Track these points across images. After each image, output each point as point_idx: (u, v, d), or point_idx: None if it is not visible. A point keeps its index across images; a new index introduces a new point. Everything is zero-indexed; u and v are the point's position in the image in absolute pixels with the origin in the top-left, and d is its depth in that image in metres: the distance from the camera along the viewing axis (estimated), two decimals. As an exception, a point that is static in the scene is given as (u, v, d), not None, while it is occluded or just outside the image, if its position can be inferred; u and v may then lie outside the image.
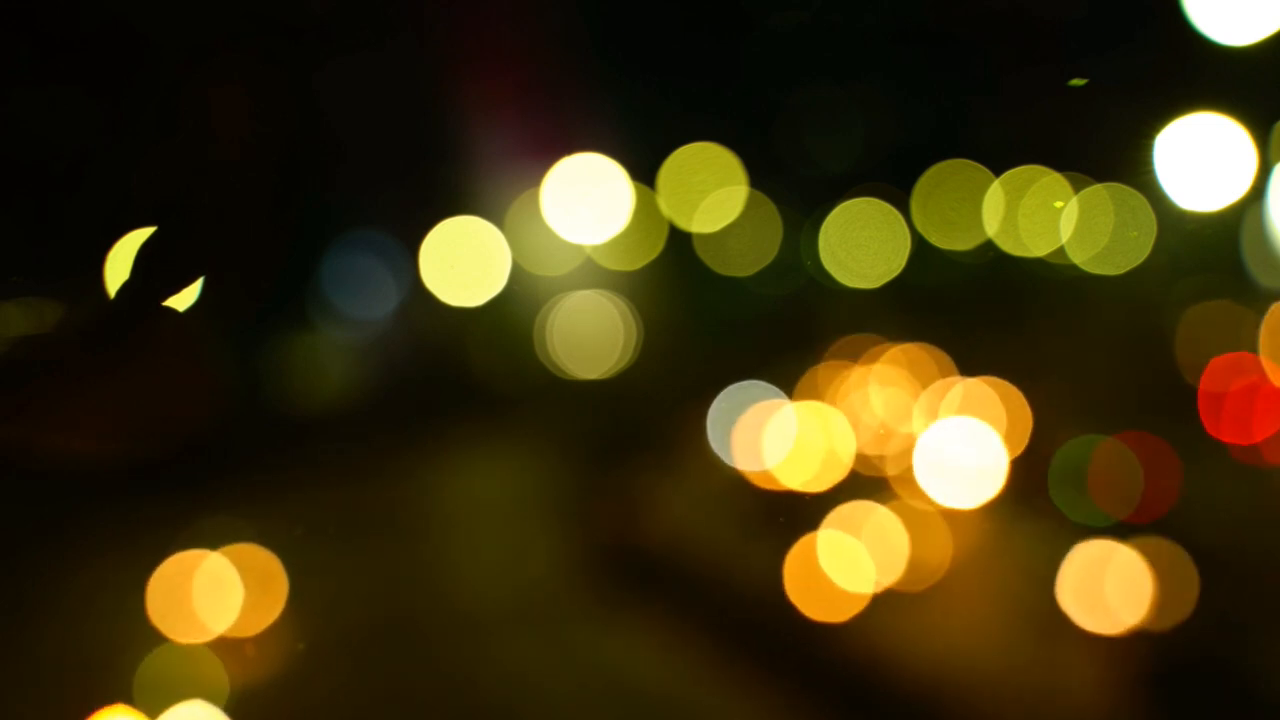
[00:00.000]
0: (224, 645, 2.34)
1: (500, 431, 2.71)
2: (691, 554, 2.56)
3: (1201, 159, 2.47)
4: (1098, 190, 2.63)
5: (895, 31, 2.59)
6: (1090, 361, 2.61)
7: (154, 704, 2.23)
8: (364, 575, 2.43)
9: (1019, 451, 2.57)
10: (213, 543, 2.38)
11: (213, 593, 2.36)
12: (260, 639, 2.35)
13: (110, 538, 2.31)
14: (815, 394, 2.78)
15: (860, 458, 2.68)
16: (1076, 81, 2.39)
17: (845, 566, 2.45)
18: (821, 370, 2.78)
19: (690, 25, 2.60)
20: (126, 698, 2.21)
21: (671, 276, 2.83)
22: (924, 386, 2.72)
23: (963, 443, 2.61)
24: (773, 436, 2.72)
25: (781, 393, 2.75)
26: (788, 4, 2.63)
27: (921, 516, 2.54)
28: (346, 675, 2.28)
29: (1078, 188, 2.64)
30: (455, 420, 2.71)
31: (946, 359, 2.69)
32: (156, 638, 2.29)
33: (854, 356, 2.78)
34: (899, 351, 2.76)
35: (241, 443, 2.23)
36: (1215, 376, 2.55)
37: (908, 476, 2.60)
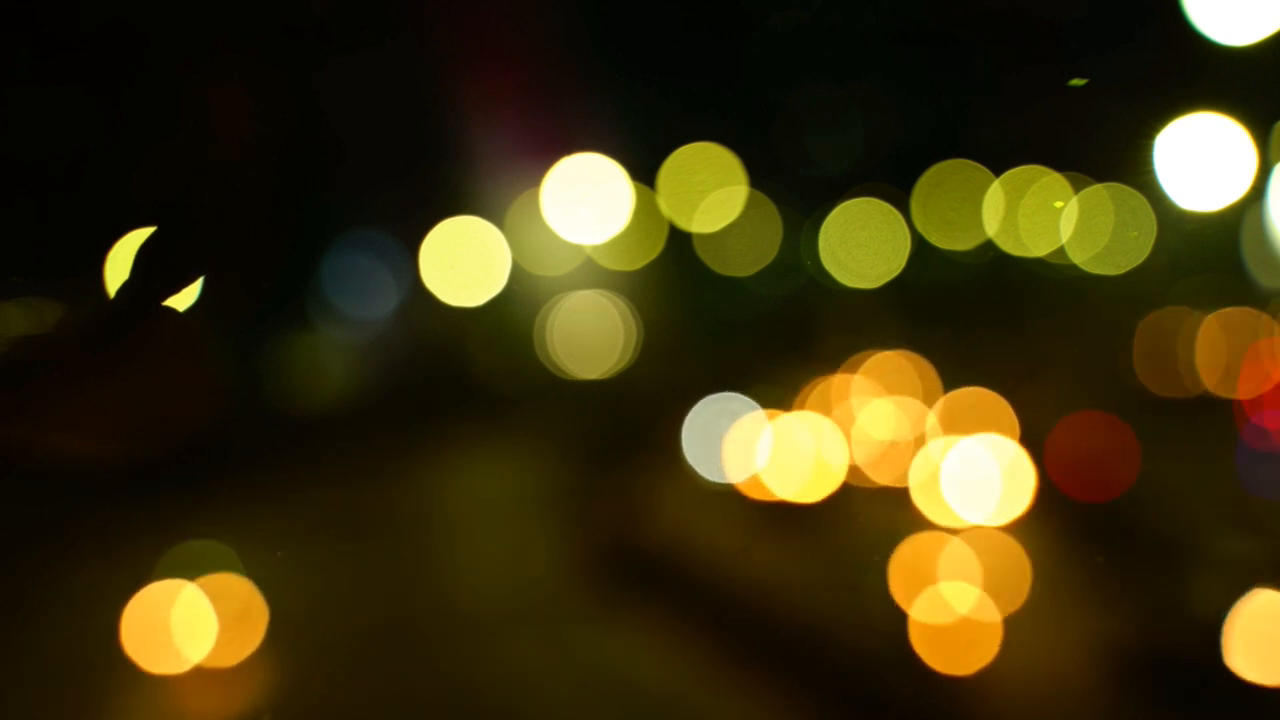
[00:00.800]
0: (213, 666, 2.34)
1: (500, 431, 2.71)
2: (692, 554, 2.56)
3: (1201, 159, 2.47)
4: (1098, 190, 2.63)
5: (895, 31, 2.59)
6: (1090, 361, 2.61)
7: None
8: (363, 575, 2.43)
9: (1029, 457, 2.55)
10: (195, 570, 2.37)
11: (194, 617, 2.35)
12: (258, 647, 2.35)
13: (109, 539, 2.31)
14: (815, 399, 2.77)
15: (866, 468, 2.67)
16: (1076, 81, 2.39)
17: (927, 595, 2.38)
18: (822, 375, 2.77)
19: (690, 25, 2.60)
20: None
21: (671, 276, 2.83)
22: (935, 395, 2.70)
23: (981, 455, 2.57)
24: (770, 442, 2.71)
25: (776, 399, 2.75)
26: (788, 4, 2.63)
27: (952, 534, 2.52)
28: (345, 674, 2.28)
29: (1078, 188, 2.64)
30: (455, 420, 2.70)
31: (951, 365, 2.68)
32: (134, 669, 2.28)
33: (856, 363, 2.78)
34: (902, 357, 2.75)
35: (241, 443, 2.23)
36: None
37: (931, 488, 2.57)
